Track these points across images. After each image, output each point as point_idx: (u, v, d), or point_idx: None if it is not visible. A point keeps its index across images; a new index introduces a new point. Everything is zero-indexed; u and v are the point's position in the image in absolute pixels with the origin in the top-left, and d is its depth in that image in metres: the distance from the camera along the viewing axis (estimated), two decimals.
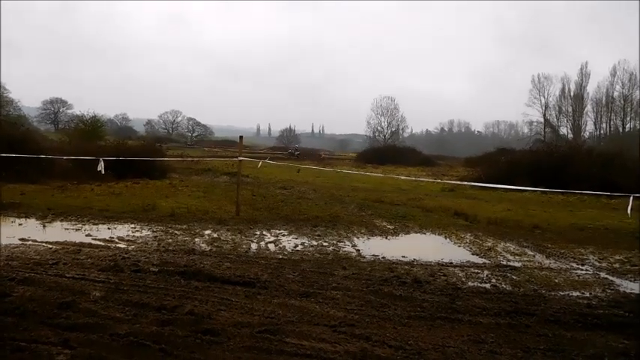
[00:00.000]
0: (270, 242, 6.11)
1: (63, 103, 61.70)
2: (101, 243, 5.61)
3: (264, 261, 5.02)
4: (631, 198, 7.39)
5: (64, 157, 12.27)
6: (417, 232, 7.53)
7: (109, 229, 6.53)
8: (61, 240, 5.58)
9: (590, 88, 50.55)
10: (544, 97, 52.25)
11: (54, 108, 61.66)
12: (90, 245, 5.44)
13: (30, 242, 5.45)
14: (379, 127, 67.67)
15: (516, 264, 5.51)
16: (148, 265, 4.54)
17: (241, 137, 9.04)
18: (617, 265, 5.64)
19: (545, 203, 12.45)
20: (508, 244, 6.69)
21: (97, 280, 3.99)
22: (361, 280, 4.44)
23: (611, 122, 49.25)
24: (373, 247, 6.16)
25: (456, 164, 35.85)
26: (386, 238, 6.94)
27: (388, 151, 41.45)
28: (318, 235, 6.69)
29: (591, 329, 3.42)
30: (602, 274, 5.19)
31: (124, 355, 2.60)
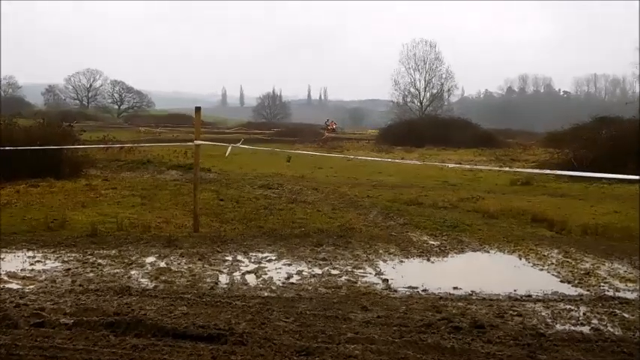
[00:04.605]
0: (248, 272, 6.13)
1: None
2: None
3: (240, 302, 5.03)
4: None
5: None
6: (475, 250, 7.55)
7: None
8: None
9: None
10: None
11: None
12: None
13: None
14: (412, 89, 67.68)
15: (629, 295, 5.55)
16: (58, 315, 4.53)
17: (198, 109, 8.98)
18: None
19: None
20: (616, 265, 6.72)
21: None
22: (391, 326, 4.47)
23: None
24: (409, 275, 6.18)
25: (531, 143, 35.79)
26: (428, 260, 6.96)
27: (427, 125, 41.44)
28: (324, 259, 6.71)
29: None
30: None
31: None
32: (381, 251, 7.21)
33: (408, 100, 67.44)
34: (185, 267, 6.27)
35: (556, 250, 7.40)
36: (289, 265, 6.48)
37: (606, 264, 6.77)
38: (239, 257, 6.77)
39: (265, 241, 7.65)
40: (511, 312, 4.93)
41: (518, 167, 18.47)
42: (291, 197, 11.82)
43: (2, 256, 6.67)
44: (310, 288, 5.60)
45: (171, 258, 6.64)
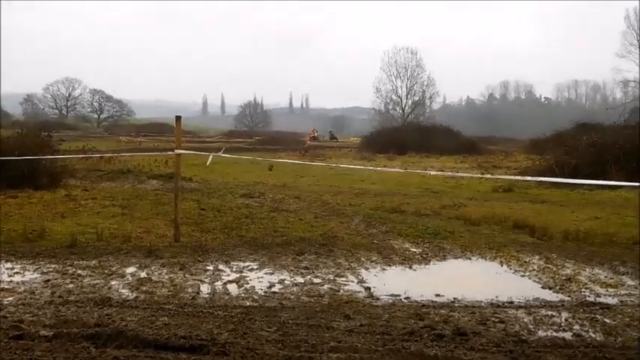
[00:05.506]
0: (230, 282, 6.12)
1: None
2: None
3: (221, 312, 5.02)
4: None
5: None
6: (457, 257, 7.60)
7: None
8: None
9: None
10: None
11: None
12: None
13: None
14: (394, 96, 68.26)
15: (610, 300, 5.62)
16: (37, 327, 4.50)
17: (178, 118, 9.00)
18: None
19: None
20: (597, 271, 6.81)
21: None
22: (374, 334, 4.49)
23: None
24: (391, 282, 6.21)
25: (513, 149, 36.26)
26: (410, 267, 6.99)
27: (410, 132, 41.93)
28: (306, 268, 6.72)
29: None
30: None
31: None
32: (363, 259, 7.23)
33: (390, 107, 68.02)
34: (166, 277, 6.24)
35: (537, 257, 7.48)
36: (271, 274, 6.48)
37: (587, 270, 6.85)
38: (220, 267, 6.75)
39: (247, 250, 7.63)
40: (493, 319, 4.97)
41: (500, 174, 18.67)
42: (273, 206, 11.81)
43: None
44: (292, 297, 5.60)
45: (152, 268, 6.60)
